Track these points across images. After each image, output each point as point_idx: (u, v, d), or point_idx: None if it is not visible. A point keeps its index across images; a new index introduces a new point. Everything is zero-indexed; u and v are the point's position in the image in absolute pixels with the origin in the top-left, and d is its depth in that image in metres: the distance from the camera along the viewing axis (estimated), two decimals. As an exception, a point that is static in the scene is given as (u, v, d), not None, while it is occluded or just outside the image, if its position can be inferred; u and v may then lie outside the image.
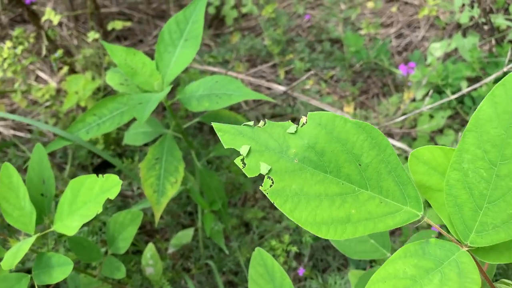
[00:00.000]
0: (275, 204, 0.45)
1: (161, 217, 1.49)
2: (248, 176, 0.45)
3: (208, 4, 2.20)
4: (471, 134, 0.44)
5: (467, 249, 0.48)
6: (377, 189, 0.47)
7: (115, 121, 0.91)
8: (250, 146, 0.46)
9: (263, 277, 0.78)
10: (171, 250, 1.25)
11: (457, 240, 0.49)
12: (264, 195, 1.56)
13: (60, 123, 1.64)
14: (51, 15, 1.52)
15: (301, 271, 0.97)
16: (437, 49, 1.61)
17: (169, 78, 0.92)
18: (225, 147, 0.46)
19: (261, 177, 1.58)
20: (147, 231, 1.51)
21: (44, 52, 1.50)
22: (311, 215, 0.45)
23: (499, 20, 1.59)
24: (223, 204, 1.13)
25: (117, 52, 0.93)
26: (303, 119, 0.47)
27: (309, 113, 0.47)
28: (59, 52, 1.57)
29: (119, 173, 1.56)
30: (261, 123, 0.48)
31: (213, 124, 0.47)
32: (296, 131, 0.47)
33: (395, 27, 1.95)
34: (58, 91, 1.82)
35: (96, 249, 0.93)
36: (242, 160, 0.46)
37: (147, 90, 0.92)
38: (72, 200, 0.72)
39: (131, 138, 1.10)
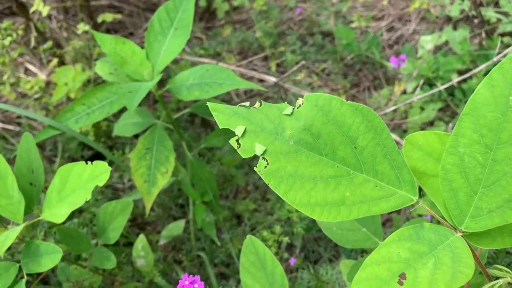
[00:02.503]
0: (269, 185, 0.44)
1: (153, 210, 1.48)
2: (243, 157, 0.44)
3: (199, -3, 2.18)
4: (467, 118, 0.44)
5: (461, 234, 0.47)
6: (372, 173, 0.47)
7: (104, 111, 0.89)
8: (245, 127, 0.46)
9: (255, 265, 0.77)
10: (162, 242, 1.24)
11: (452, 226, 0.48)
12: (256, 187, 1.55)
13: (50, 116, 1.61)
14: (39, 6, 1.49)
15: (293, 261, 0.97)
16: (428, 42, 1.62)
17: (159, 67, 0.91)
18: (220, 127, 0.45)
19: (253, 170, 1.58)
20: (138, 224, 1.50)
21: (33, 43, 1.48)
22: (306, 196, 0.45)
23: (490, 13, 1.60)
24: (214, 195, 1.12)
25: (106, 41, 0.92)
26: (299, 101, 0.47)
27: (305, 94, 0.46)
28: (48, 44, 1.55)
29: (109, 165, 1.55)
30: (257, 104, 0.47)
31: (208, 104, 0.46)
32: (292, 113, 0.47)
33: (386, 21, 1.95)
34: (48, 83, 1.80)
35: (86, 240, 0.92)
36: (237, 140, 0.46)
37: (137, 79, 0.91)
38: (61, 188, 0.71)
39: (121, 129, 1.09)
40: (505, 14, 1.80)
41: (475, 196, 0.46)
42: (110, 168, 0.67)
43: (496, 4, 1.85)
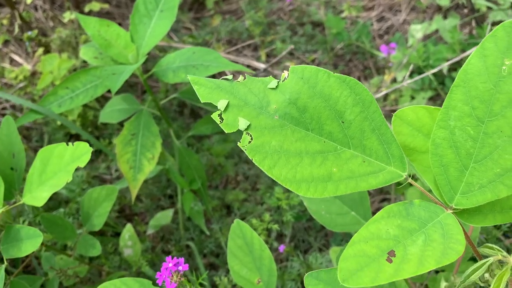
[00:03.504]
0: (253, 161, 0.43)
1: (141, 201, 1.45)
2: (226, 132, 0.43)
3: (188, -13, 2.16)
4: (458, 89, 0.43)
5: (451, 211, 0.46)
6: (360, 148, 0.45)
7: (88, 94, 0.87)
8: (228, 101, 0.44)
9: (242, 249, 0.76)
10: (150, 232, 1.22)
11: (442, 203, 0.47)
12: (246, 178, 1.54)
13: (35, 105, 1.58)
14: (23, -8, 1.46)
15: (282, 247, 0.96)
16: (418, 31, 1.60)
17: (145, 50, 0.89)
18: (201, 101, 0.43)
19: (243, 160, 1.56)
20: (126, 215, 1.47)
21: (16, 30, 1.45)
22: (291, 172, 0.43)
23: (480, 1, 1.59)
24: (203, 183, 1.10)
25: (90, 23, 0.89)
26: (284, 74, 0.45)
27: (291, 66, 0.44)
28: (34, 32, 1.51)
29: (97, 155, 1.52)
30: (241, 77, 0.45)
31: (189, 77, 0.44)
32: (277, 86, 0.45)
33: (377, 11, 1.94)
34: (33, 73, 1.76)
35: (71, 228, 0.90)
36: (220, 115, 0.44)
37: (122, 63, 0.89)
38: (41, 170, 0.69)
39: (107, 116, 1.06)
40: (495, 2, 1.80)
41: (466, 171, 0.44)
42: (91, 149, 0.65)
43: (487, -6, 1.84)
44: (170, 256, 0.59)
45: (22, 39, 1.91)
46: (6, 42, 1.95)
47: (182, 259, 0.58)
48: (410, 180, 0.46)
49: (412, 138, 0.49)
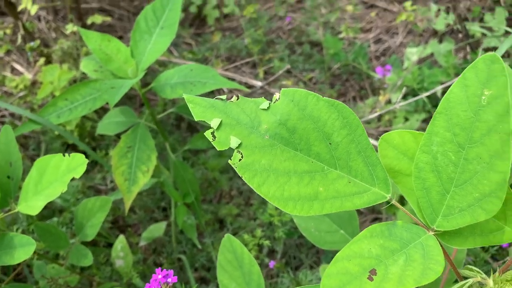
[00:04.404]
0: (243, 178, 0.44)
1: (134, 212, 1.46)
2: (218, 149, 0.44)
3: (190, 3, 2.20)
4: (441, 116, 0.45)
5: (433, 233, 0.48)
6: (346, 169, 0.47)
7: (87, 106, 0.89)
8: (221, 120, 0.46)
9: (232, 264, 0.77)
10: (142, 243, 1.23)
11: (424, 225, 0.49)
12: (240, 193, 1.55)
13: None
14: (28, 4, 1.49)
15: (272, 263, 0.97)
16: (413, 53, 1.64)
17: (144, 65, 0.91)
18: (195, 119, 0.45)
19: (237, 176, 1.57)
20: (120, 226, 1.48)
21: (19, 40, 1.47)
22: (279, 190, 0.45)
23: (474, 27, 1.63)
24: (197, 197, 1.11)
25: (92, 37, 0.92)
26: (276, 96, 0.47)
27: (282, 89, 0.47)
28: (36, 42, 1.54)
29: (92, 166, 1.53)
30: (234, 98, 0.47)
31: (184, 95, 0.46)
32: (268, 107, 0.47)
33: (374, 33, 1.98)
34: (34, 83, 1.78)
35: (64, 237, 0.91)
36: (212, 133, 0.46)
37: (121, 77, 0.91)
38: (37, 180, 0.70)
39: (105, 127, 1.08)
40: (490, 29, 1.84)
41: (447, 195, 0.46)
42: (87, 160, 0.67)
43: (482, 20, 1.88)
44: (160, 268, 0.60)
45: (24, 48, 1.93)
46: (8, 52, 1.98)
47: (171, 271, 0.59)
48: (393, 201, 0.48)
49: (397, 161, 0.51)
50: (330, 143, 0.47)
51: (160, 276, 0.58)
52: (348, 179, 0.47)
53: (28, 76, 1.82)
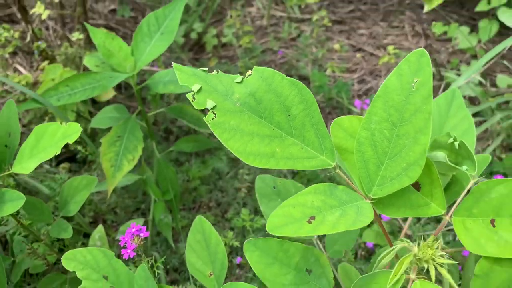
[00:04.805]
0: (214, 133, 0.53)
1: (115, 213, 1.53)
2: (196, 108, 0.54)
3: (191, 30, 2.34)
4: (379, 99, 0.55)
5: (370, 201, 0.57)
6: (301, 138, 0.56)
7: (85, 93, 0.98)
8: (201, 86, 0.55)
9: (200, 244, 0.84)
10: (119, 236, 1.29)
11: (363, 194, 0.58)
12: (218, 204, 1.62)
13: (32, 112, 1.68)
14: (40, 9, 1.61)
15: (239, 259, 1.04)
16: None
17: (142, 64, 1.01)
18: (180, 83, 0.54)
19: (217, 187, 1.65)
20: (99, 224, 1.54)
21: (28, 38, 1.58)
22: (242, 146, 0.54)
23: (450, 75, 1.77)
24: (175, 195, 1.19)
25: (98, 34, 1.02)
26: (249, 72, 0.57)
27: (254, 67, 0.56)
28: (43, 43, 1.64)
29: (82, 163, 1.61)
30: (214, 72, 0.57)
31: (173, 64, 0.56)
32: (241, 81, 0.57)
33: (359, 73, 2.12)
34: (35, 83, 1.88)
35: (48, 212, 0.97)
36: (193, 95, 0.55)
37: (120, 72, 1.01)
38: (34, 145, 0.78)
39: (99, 121, 1.17)
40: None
41: (382, 166, 0.55)
42: (81, 129, 0.75)
43: (459, 71, 2.04)
44: (134, 223, 0.68)
45: (29, 52, 2.04)
46: (13, 54, 2.09)
47: (144, 227, 0.66)
48: (338, 170, 0.57)
49: (345, 140, 0.60)
50: (289, 115, 0.56)
51: (134, 230, 0.65)
52: (301, 146, 0.56)
53: (30, 75, 1.92)
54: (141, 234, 0.65)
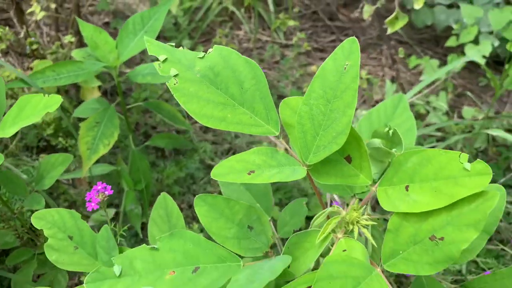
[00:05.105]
0: (174, 96, 0.62)
1: (88, 206, 1.59)
2: (160, 74, 0.63)
3: (180, 46, 2.45)
4: (318, 79, 0.64)
5: (306, 168, 0.65)
6: (251, 109, 0.66)
7: (70, 79, 1.07)
8: (167, 57, 0.65)
9: (162, 218, 0.91)
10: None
11: (301, 161, 0.66)
12: (190, 206, 1.69)
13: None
14: (36, 9, 1.70)
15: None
16: (363, 115, 1.88)
17: (124, 58, 1.11)
18: (149, 53, 0.63)
19: (191, 191, 1.73)
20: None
21: (22, 34, 1.67)
22: (198, 109, 0.63)
23: (419, 102, 1.89)
24: (147, 185, 1.26)
25: (87, 27, 1.12)
26: (210, 50, 0.66)
27: (215, 45, 0.66)
28: (36, 40, 1.73)
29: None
30: (180, 48, 0.67)
31: (145, 37, 0.65)
32: (203, 57, 0.66)
33: (335, 96, 2.24)
34: (23, 82, 1.95)
35: (23, 185, 1.04)
36: (159, 64, 0.64)
37: (104, 63, 1.10)
38: (17, 114, 0.86)
39: (81, 112, 1.25)
40: (434, 108, 2.11)
41: (317, 137, 0.64)
42: (62, 100, 0.83)
43: (428, 101, 2.17)
44: (100, 181, 0.75)
45: (21, 53, 2.12)
46: (5, 54, 2.17)
47: (109, 186, 0.74)
48: (281, 139, 0.66)
49: (290, 117, 0.69)
50: (242, 88, 0.66)
51: (99, 187, 0.73)
52: (250, 115, 0.65)
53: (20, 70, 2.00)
54: (106, 192, 0.73)
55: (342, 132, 0.61)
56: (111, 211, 1.41)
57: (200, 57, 0.66)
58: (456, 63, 1.46)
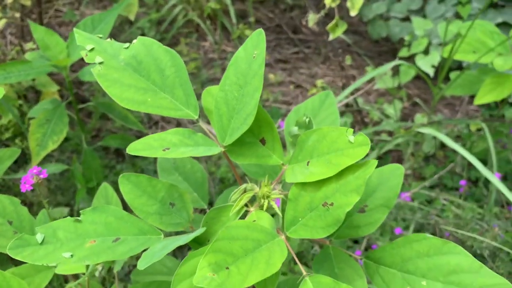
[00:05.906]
0: (98, 81, 0.68)
1: (42, 206, 1.62)
2: (86, 61, 0.69)
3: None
4: (231, 67, 0.71)
5: (223, 148, 0.72)
6: (171, 94, 0.72)
7: (20, 77, 1.11)
8: (94, 47, 0.71)
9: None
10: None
11: (220, 143, 0.72)
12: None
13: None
14: (-2, 17, 1.75)
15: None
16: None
17: (74, 58, 1.16)
18: (77, 43, 0.69)
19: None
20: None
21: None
22: (119, 92, 0.69)
23: (374, 112, 1.99)
24: (98, 183, 1.31)
25: (38, 30, 1.18)
26: (134, 40, 0.73)
27: (139, 36, 0.72)
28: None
29: (15, 168, 1.70)
30: (108, 39, 0.73)
31: (75, 29, 0.71)
32: (128, 47, 0.72)
33: (294, 105, 2.32)
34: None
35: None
36: (86, 53, 0.70)
37: (54, 63, 1.15)
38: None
39: (35, 112, 1.30)
40: (387, 116, 2.21)
41: (232, 120, 0.71)
42: (4, 92, 0.88)
43: (382, 109, 2.27)
44: (36, 165, 0.80)
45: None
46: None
47: (45, 170, 0.79)
48: (200, 122, 0.72)
49: (211, 104, 0.76)
50: (163, 75, 0.72)
51: (35, 171, 0.77)
52: (170, 100, 0.71)
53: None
54: (41, 176, 0.78)
55: (250, 113, 0.68)
56: (65, 210, 1.44)
57: (125, 47, 0.72)
58: (387, 66, 1.56)
